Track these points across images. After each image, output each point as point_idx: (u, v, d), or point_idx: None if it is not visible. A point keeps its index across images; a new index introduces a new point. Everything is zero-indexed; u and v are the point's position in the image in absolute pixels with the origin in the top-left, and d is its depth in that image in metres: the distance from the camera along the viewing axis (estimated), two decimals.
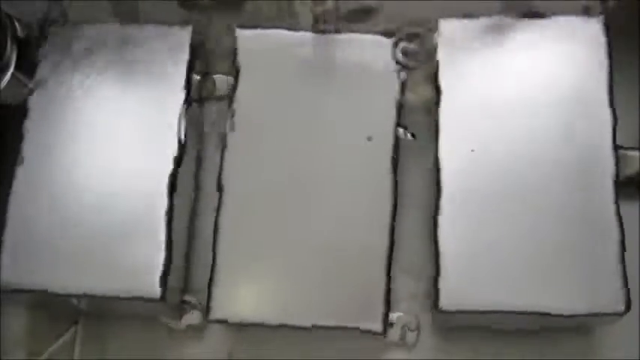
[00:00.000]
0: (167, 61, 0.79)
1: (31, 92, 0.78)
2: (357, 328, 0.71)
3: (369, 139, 0.75)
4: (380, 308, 0.71)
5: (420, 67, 0.81)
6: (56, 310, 0.81)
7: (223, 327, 0.78)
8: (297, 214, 0.74)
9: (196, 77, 0.82)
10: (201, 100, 0.84)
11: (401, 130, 0.78)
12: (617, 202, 0.70)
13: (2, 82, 0.77)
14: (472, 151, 0.73)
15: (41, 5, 0.84)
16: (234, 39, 0.80)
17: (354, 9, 0.85)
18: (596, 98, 0.74)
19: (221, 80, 0.84)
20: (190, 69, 0.79)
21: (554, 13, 0.77)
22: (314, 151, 0.76)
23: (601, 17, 0.76)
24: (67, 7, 0.86)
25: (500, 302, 0.69)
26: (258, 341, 0.78)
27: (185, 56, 0.79)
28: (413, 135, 0.80)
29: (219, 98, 0.84)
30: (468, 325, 0.77)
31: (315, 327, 0.71)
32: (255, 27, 0.81)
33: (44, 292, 0.73)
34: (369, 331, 0.71)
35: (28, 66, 0.79)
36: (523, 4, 0.81)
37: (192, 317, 0.79)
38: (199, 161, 0.84)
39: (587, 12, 0.78)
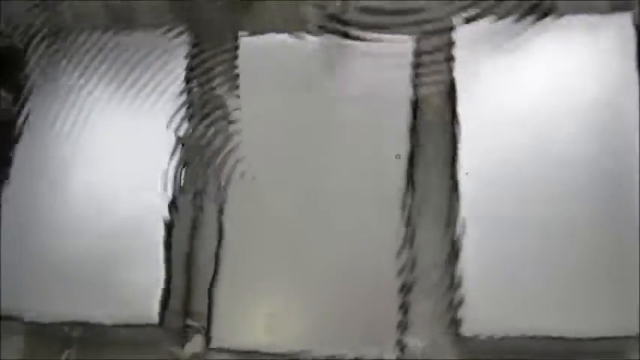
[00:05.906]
0: (163, 70, 0.78)
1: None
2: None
3: (398, 157, 0.72)
4: (393, 336, 0.68)
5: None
6: (50, 336, 0.78)
7: (226, 353, 0.74)
8: (304, 235, 0.72)
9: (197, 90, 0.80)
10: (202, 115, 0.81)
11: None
12: None
13: None
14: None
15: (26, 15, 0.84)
16: (237, 45, 0.79)
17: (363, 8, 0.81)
18: (625, 104, 0.71)
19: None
20: (188, 77, 0.78)
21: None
22: (322, 170, 0.73)
23: (631, 14, 0.73)
24: (57, 14, 0.84)
25: (523, 327, 0.67)
26: None
27: (181, 64, 0.78)
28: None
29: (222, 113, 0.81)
30: (490, 350, 0.72)
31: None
32: (259, 33, 0.79)
33: (38, 320, 0.73)
34: None
35: (10, 79, 0.79)
36: None
37: (196, 344, 0.76)
38: (201, 179, 0.80)
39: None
